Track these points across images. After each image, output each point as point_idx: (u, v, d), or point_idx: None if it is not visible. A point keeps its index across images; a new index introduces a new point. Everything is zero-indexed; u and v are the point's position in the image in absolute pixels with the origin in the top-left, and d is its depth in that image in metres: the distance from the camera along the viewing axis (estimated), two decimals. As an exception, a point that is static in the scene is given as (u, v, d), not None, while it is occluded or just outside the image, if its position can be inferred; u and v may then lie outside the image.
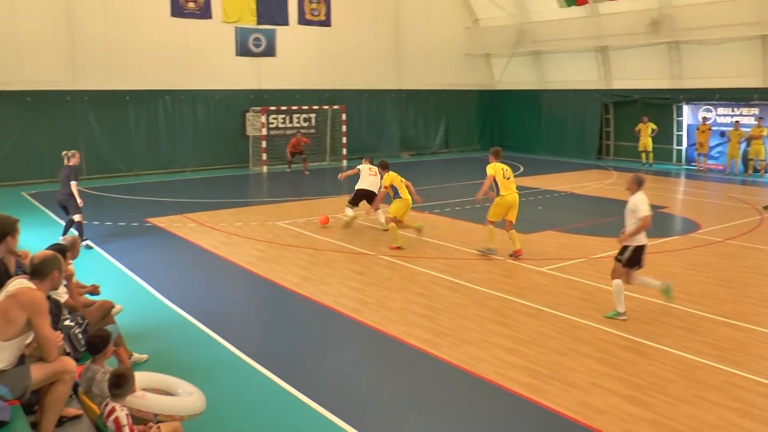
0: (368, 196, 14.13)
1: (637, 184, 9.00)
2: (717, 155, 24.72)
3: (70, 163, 12.69)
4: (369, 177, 14.25)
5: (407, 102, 29.56)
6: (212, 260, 11.72)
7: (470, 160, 27.89)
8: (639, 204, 8.77)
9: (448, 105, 30.80)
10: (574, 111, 29.17)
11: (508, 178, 12.00)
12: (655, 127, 25.61)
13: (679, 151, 26.28)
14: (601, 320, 8.64)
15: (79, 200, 12.56)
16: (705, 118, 24.63)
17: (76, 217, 12.58)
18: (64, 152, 13.00)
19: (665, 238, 13.51)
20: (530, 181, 21.46)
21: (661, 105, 26.17)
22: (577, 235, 13.83)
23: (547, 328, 8.39)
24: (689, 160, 25.71)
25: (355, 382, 6.94)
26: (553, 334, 8.19)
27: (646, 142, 25.86)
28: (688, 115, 25.68)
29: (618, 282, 8.77)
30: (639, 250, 8.83)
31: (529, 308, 9.12)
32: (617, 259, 8.90)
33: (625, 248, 8.86)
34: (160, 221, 14.96)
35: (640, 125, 25.91)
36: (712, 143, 24.73)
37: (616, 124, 28.30)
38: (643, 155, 26.11)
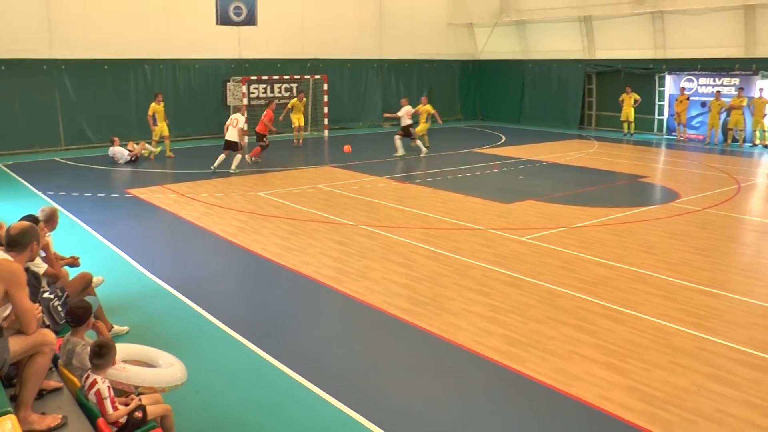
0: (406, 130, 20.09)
1: None
2: (698, 125, 24.87)
3: None
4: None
5: (390, 72, 29.38)
6: (193, 231, 11.69)
7: (453, 130, 27.86)
8: None
9: (430, 75, 30.66)
10: (557, 81, 29.15)
11: None
12: (638, 97, 25.70)
13: (661, 121, 26.43)
14: (580, 288, 8.75)
15: None
16: (683, 89, 24.75)
17: None
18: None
19: (645, 207, 13.64)
20: (512, 151, 21.50)
21: (643, 75, 26.24)
22: (557, 204, 13.92)
23: (526, 296, 8.49)
24: (670, 130, 25.88)
25: (336, 352, 7.00)
26: (533, 302, 8.28)
27: (629, 112, 25.98)
28: (670, 85, 25.76)
29: None
30: None
31: (509, 277, 9.20)
32: None
33: None
34: (141, 192, 14.86)
35: (624, 95, 26.01)
36: (693, 113, 24.88)
37: (599, 94, 28.37)
38: (625, 125, 26.23)
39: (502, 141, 24.19)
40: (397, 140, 20.41)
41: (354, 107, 28.25)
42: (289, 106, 24.17)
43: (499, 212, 13.22)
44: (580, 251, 10.47)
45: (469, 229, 11.83)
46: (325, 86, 25.70)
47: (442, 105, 31.24)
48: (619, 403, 5.92)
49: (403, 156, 20.02)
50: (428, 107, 21.42)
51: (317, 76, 26.16)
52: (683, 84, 24.99)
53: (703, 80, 24.69)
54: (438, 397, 6.07)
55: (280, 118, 24.77)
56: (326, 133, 25.55)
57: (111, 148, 19.17)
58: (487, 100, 32.24)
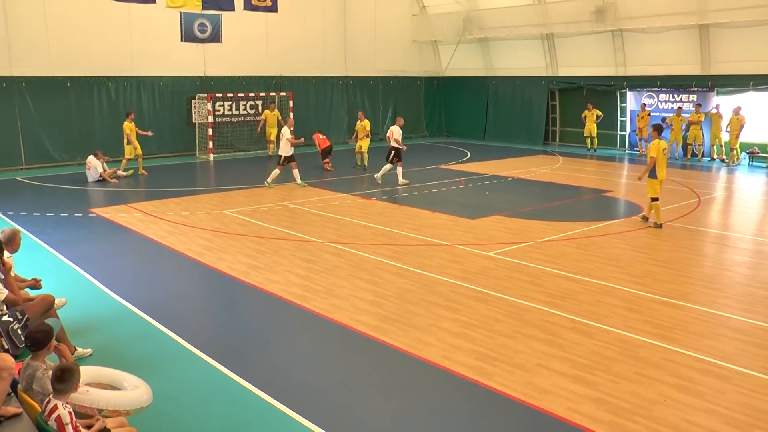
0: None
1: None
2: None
3: None
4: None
5: (355, 89, 29.45)
6: (159, 251, 11.51)
7: (418, 147, 28.00)
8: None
9: (395, 92, 30.82)
10: (521, 97, 29.52)
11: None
12: (600, 113, 26.17)
13: (623, 137, 26.88)
14: (546, 302, 8.80)
15: None
16: (644, 105, 25.24)
17: None
18: None
19: (609, 221, 13.82)
20: (478, 167, 21.67)
21: (605, 91, 26.70)
22: (523, 219, 14.03)
23: (494, 311, 8.51)
24: (632, 145, 26.32)
25: (303, 371, 6.92)
26: (500, 317, 8.31)
27: (591, 127, 26.41)
28: (631, 101, 26.24)
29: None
30: None
31: (476, 292, 9.23)
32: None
33: None
34: (105, 212, 14.61)
35: (586, 112, 26.47)
36: (653, 129, 25.38)
37: (562, 110, 28.78)
38: (588, 140, 26.63)
39: (468, 157, 24.38)
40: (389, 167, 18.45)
41: (320, 124, 28.21)
42: (263, 118, 24.14)
43: (465, 228, 13.28)
44: (546, 265, 10.55)
45: (436, 245, 11.86)
46: (291, 103, 25.67)
47: (407, 122, 31.32)
48: (587, 415, 5.95)
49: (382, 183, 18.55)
50: (366, 123, 21.39)
51: (282, 93, 26.12)
52: (644, 100, 25.48)
53: (663, 96, 25.24)
54: (408, 414, 6.03)
55: (258, 131, 24.85)
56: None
57: (92, 158, 18.75)
58: (452, 116, 32.52)
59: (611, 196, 16.82)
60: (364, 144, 21.12)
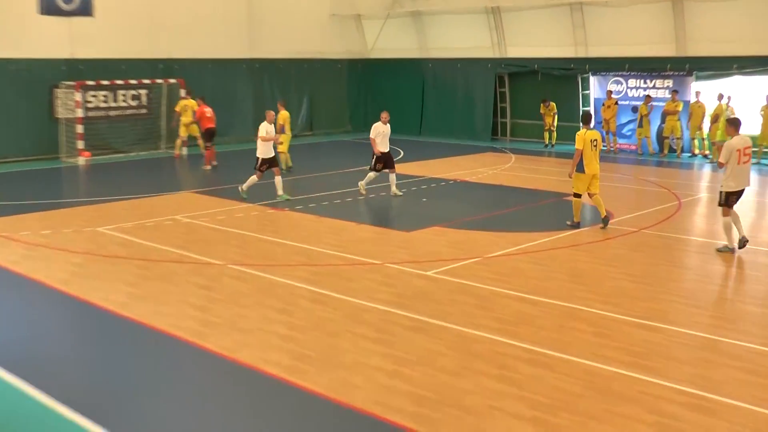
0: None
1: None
2: (629, 133, 26.09)
3: None
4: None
5: (262, 74, 29.35)
6: (10, 280, 11.09)
7: (340, 144, 28.02)
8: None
9: (311, 78, 30.85)
10: (463, 84, 29.95)
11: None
12: (555, 111, 26.78)
13: (586, 131, 27.59)
14: (498, 330, 8.83)
15: None
16: (610, 92, 25.90)
17: None
18: None
19: (572, 231, 14.05)
20: (412, 168, 21.78)
21: (564, 77, 27.35)
22: (469, 230, 14.14)
23: (435, 343, 8.48)
24: (597, 140, 27.01)
25: (200, 424, 6.73)
26: (443, 350, 8.28)
27: (551, 121, 26.96)
28: (595, 87, 26.94)
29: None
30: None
31: (413, 321, 9.19)
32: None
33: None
34: (-60, 232, 13.99)
35: (543, 108, 26.93)
36: (624, 120, 26.06)
37: (513, 100, 29.32)
38: (547, 135, 27.17)
39: (400, 156, 24.47)
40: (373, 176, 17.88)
41: (220, 118, 27.80)
42: (178, 110, 23.55)
43: (399, 242, 13.30)
44: (497, 285, 10.61)
45: (363, 264, 11.81)
46: (183, 92, 25.27)
47: (326, 114, 31.52)
48: (550, 466, 5.95)
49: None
50: (286, 114, 21.18)
51: (172, 81, 25.70)
52: (610, 86, 26.18)
53: (632, 82, 25.97)
54: (331, 475, 5.90)
55: (173, 124, 24.25)
56: (184, 150, 25.02)
57: None
58: (380, 107, 32.03)
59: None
60: (284, 141, 20.93)
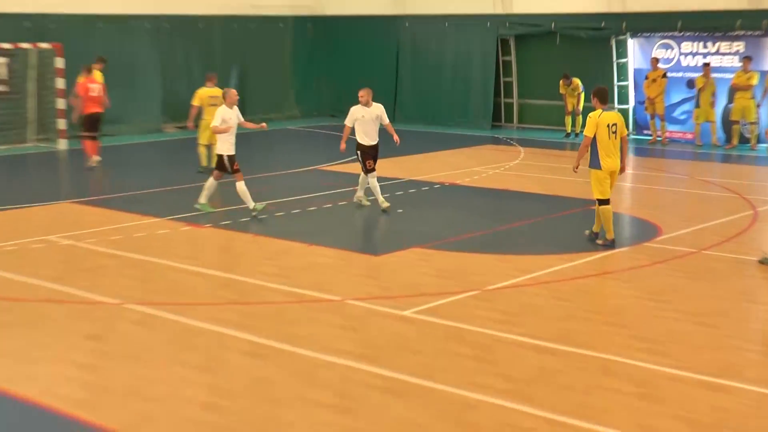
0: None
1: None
2: (683, 117, 26.09)
3: None
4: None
5: (174, 37, 29.35)
6: None
7: (284, 134, 27.94)
8: None
9: (243, 42, 30.91)
10: (454, 51, 29.98)
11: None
12: (581, 90, 26.65)
13: (624, 113, 27.42)
14: (505, 392, 8.69)
15: None
16: (656, 60, 25.82)
17: None
18: None
19: (605, 252, 14.01)
20: (385, 168, 21.57)
21: (592, 40, 27.37)
22: (462, 253, 14.11)
23: (417, 412, 8.37)
24: (640, 127, 27.09)
25: None
26: (427, 420, 8.16)
27: (574, 102, 26.92)
28: (636, 55, 26.95)
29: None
30: None
31: (385, 381, 9.10)
32: None
33: None
34: None
35: (563, 85, 26.82)
36: (676, 99, 26.07)
37: (522, 72, 29.29)
38: (568, 120, 27.16)
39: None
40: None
41: (115, 99, 27.51)
42: (80, 93, 22.90)
43: (365, 270, 13.28)
44: (502, 329, 10.48)
45: (317, 302, 11.70)
46: (59, 61, 25.14)
47: (265, 94, 31.32)
48: None
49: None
50: (214, 90, 21.00)
51: (45, 45, 25.56)
52: (656, 53, 26.14)
53: (687, 46, 25.93)
54: None
55: (74, 120, 23.57)
56: (64, 143, 24.82)
57: None
58: (339, 83, 32.51)
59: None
60: (204, 131, 20.82)
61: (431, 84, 30.46)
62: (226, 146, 16.52)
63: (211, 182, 16.77)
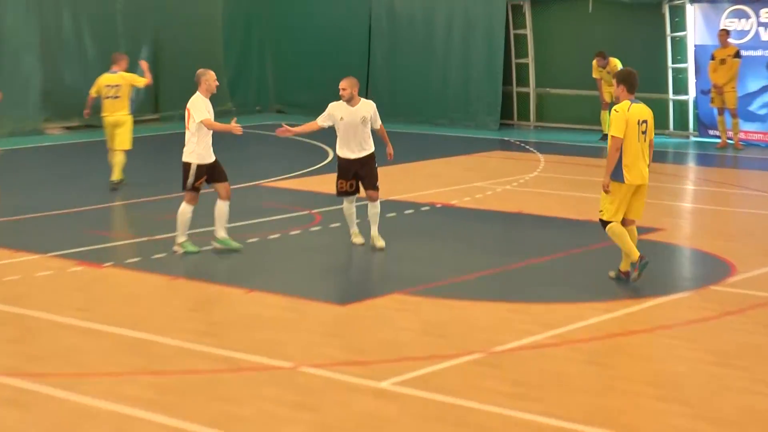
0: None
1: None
2: (763, 112, 26.24)
3: None
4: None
5: (58, 10, 29.41)
6: None
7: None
8: None
9: (157, 12, 31.18)
10: (446, 22, 30.09)
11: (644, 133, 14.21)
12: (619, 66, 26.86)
13: (682, 106, 27.71)
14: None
15: None
16: (725, 33, 25.92)
17: None
18: None
19: (658, 298, 14.07)
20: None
21: (638, 5, 27.59)
22: (458, 300, 14.16)
23: None
24: (704, 126, 27.21)
25: None
26: None
27: (612, 90, 27.09)
28: (698, 26, 27.09)
29: None
30: None
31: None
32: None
33: None
34: None
35: (597, 69, 26.94)
36: (752, 87, 26.22)
37: (541, 51, 29.47)
38: (605, 116, 27.27)
39: (330, 159, 24.47)
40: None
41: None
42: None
43: (327, 325, 13.34)
44: (516, 406, 10.44)
45: (260, 369, 11.70)
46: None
47: (185, 81, 31.27)
48: None
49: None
50: (116, 77, 21.26)
51: None
52: (725, 24, 26.31)
53: (767, 15, 26.03)
54: None
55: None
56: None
57: None
58: (291, 69, 32.68)
59: (661, 240, 17.30)
60: (122, 134, 21.17)
61: (416, 68, 30.63)
62: (203, 151, 16.71)
63: (220, 208, 16.56)
